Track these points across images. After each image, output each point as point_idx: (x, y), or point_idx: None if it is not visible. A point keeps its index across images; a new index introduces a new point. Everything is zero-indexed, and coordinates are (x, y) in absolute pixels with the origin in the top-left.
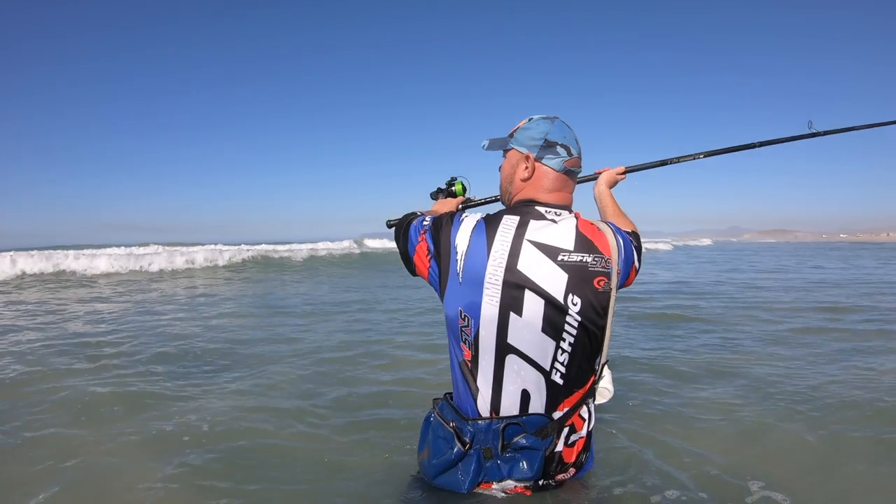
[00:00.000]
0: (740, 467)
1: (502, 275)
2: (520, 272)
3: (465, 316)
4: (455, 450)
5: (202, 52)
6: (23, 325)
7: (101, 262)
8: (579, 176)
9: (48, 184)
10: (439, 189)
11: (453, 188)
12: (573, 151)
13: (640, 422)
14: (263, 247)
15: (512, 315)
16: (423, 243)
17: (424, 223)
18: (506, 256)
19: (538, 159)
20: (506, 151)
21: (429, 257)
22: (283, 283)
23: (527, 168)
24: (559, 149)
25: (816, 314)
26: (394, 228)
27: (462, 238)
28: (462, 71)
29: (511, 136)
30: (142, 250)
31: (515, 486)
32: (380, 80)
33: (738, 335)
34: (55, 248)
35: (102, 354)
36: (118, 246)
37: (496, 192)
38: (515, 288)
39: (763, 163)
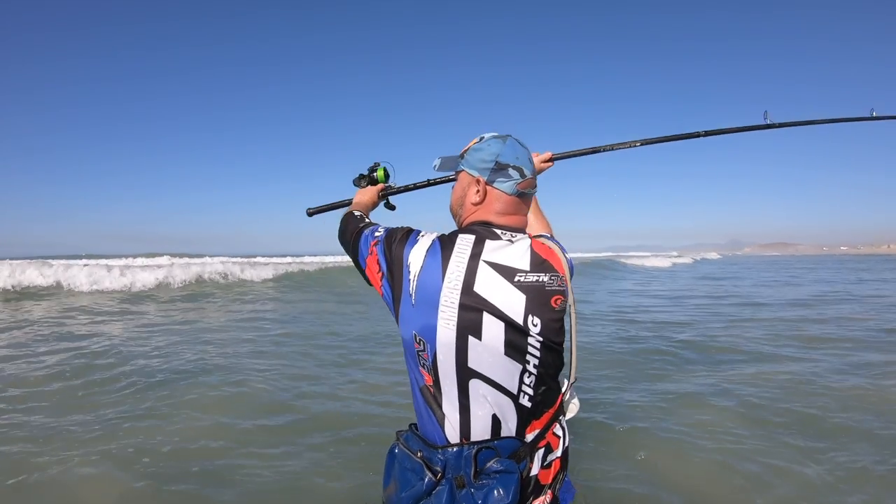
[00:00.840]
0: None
1: (458, 297)
2: (476, 294)
3: (419, 339)
4: (426, 480)
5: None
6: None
7: (145, 274)
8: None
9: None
10: (361, 175)
11: (375, 174)
12: (526, 172)
13: (639, 449)
14: (289, 260)
15: (471, 339)
16: (373, 256)
17: (377, 234)
18: (462, 277)
19: (489, 182)
20: (457, 172)
21: (380, 274)
22: (313, 300)
23: (478, 192)
24: (511, 171)
25: None
26: (339, 233)
27: (416, 257)
28: (464, 74)
29: (462, 156)
30: (155, 261)
31: None
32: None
33: None
34: (46, 257)
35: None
36: (132, 256)
37: (422, 179)
38: (472, 310)
39: (760, 175)
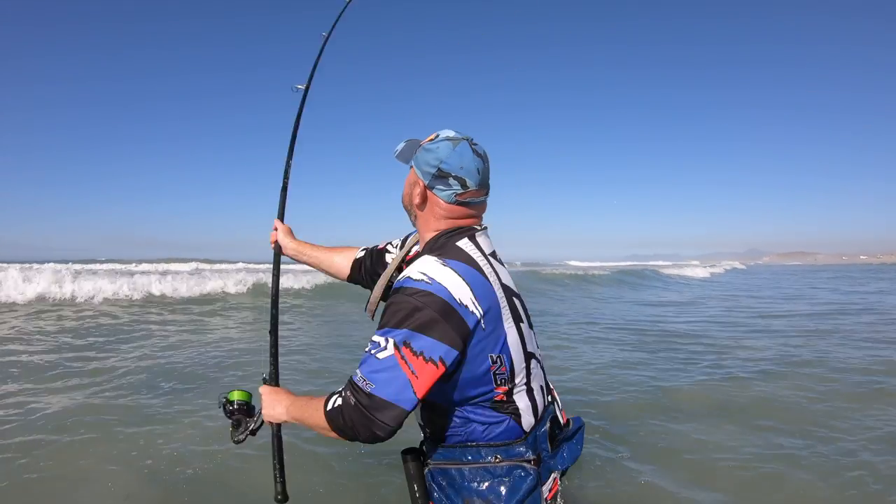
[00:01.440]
0: None
1: (503, 295)
2: (506, 285)
3: (497, 358)
4: (530, 470)
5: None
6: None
7: (180, 283)
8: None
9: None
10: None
11: (233, 405)
12: (469, 183)
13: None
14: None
15: (522, 325)
16: (422, 371)
17: (401, 357)
18: (494, 276)
19: (429, 188)
20: (411, 166)
21: (440, 366)
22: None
23: (419, 194)
24: (452, 181)
25: None
26: (363, 431)
27: (460, 291)
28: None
29: (416, 150)
30: (180, 266)
31: (555, 479)
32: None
33: None
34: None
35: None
36: (151, 262)
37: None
38: (511, 301)
39: (778, 183)
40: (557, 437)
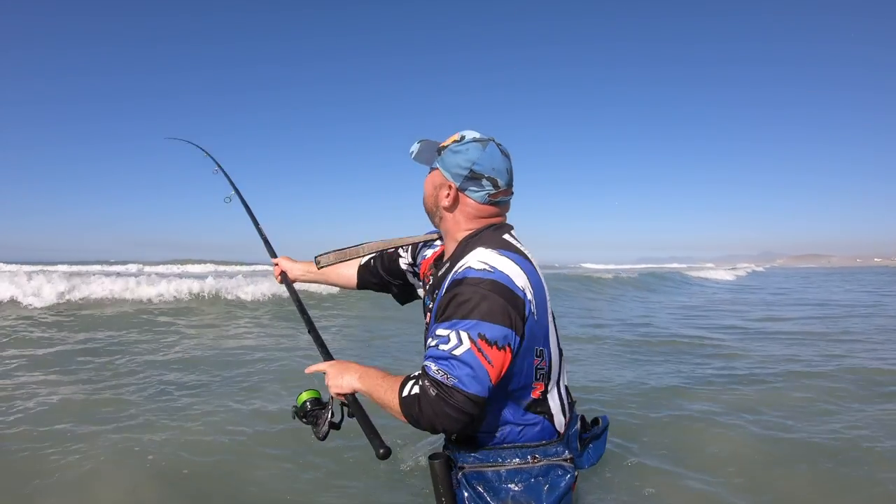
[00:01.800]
0: None
1: (545, 287)
2: (544, 280)
3: (540, 352)
4: (568, 469)
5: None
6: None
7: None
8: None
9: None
10: (304, 414)
11: (307, 406)
12: (500, 183)
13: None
14: None
15: (555, 322)
16: (497, 359)
17: (477, 348)
18: (537, 270)
19: (461, 190)
20: (432, 167)
21: (509, 353)
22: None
23: (448, 196)
24: (485, 182)
25: None
26: (411, 400)
27: (519, 279)
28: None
29: (440, 152)
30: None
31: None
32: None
33: None
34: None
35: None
36: (169, 263)
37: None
38: (547, 296)
39: (792, 184)
40: (584, 436)
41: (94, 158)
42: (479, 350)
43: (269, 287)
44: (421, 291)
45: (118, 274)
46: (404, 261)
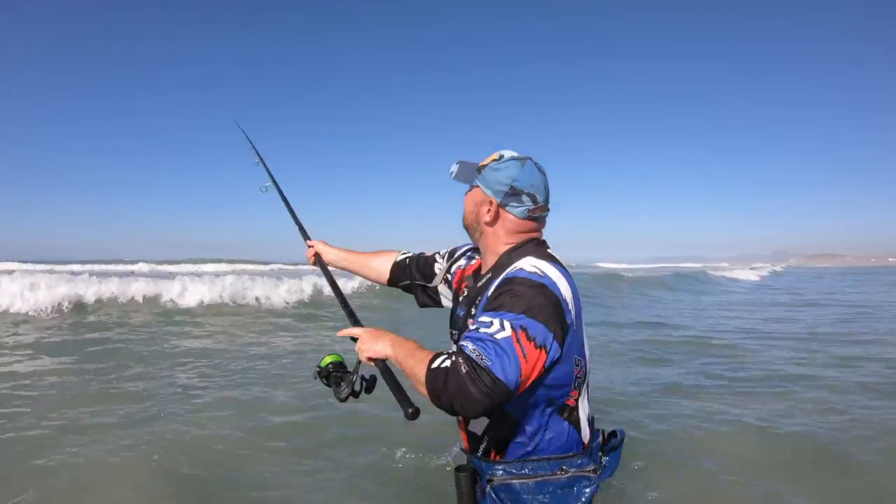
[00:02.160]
0: None
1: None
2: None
3: (579, 360)
4: (594, 486)
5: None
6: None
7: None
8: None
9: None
10: (327, 375)
11: (330, 368)
12: (539, 199)
13: None
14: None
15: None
16: (532, 356)
17: (517, 339)
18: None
19: (502, 206)
20: (472, 185)
21: (544, 359)
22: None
23: (489, 212)
24: (524, 197)
25: None
26: (438, 381)
27: (564, 288)
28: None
29: (479, 170)
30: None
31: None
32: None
33: None
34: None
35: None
36: (179, 262)
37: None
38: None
39: (805, 182)
40: (605, 448)
41: (100, 156)
42: (518, 341)
43: (290, 288)
44: (445, 301)
45: (133, 272)
46: (439, 266)
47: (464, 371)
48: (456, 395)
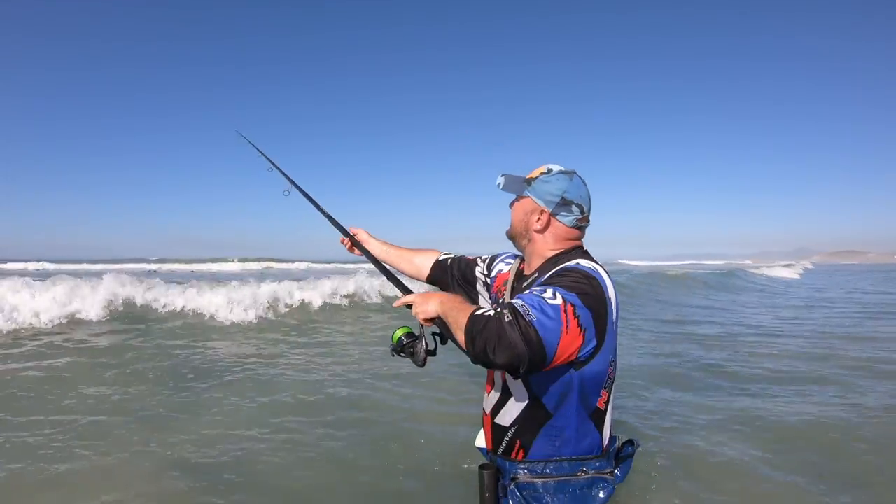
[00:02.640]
0: None
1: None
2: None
3: (612, 362)
4: (611, 488)
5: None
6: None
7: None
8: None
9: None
10: (402, 347)
11: (402, 340)
12: (585, 209)
13: None
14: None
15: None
16: (569, 334)
17: (565, 309)
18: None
19: (553, 215)
20: (520, 196)
21: (581, 340)
22: None
23: (539, 220)
24: (574, 208)
25: None
26: (495, 346)
27: (611, 290)
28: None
29: (528, 182)
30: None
31: None
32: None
33: None
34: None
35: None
36: (200, 262)
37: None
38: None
39: (826, 177)
40: (619, 455)
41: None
42: (566, 312)
43: (325, 290)
44: (483, 302)
45: (154, 271)
46: (480, 270)
47: (507, 319)
48: (491, 338)
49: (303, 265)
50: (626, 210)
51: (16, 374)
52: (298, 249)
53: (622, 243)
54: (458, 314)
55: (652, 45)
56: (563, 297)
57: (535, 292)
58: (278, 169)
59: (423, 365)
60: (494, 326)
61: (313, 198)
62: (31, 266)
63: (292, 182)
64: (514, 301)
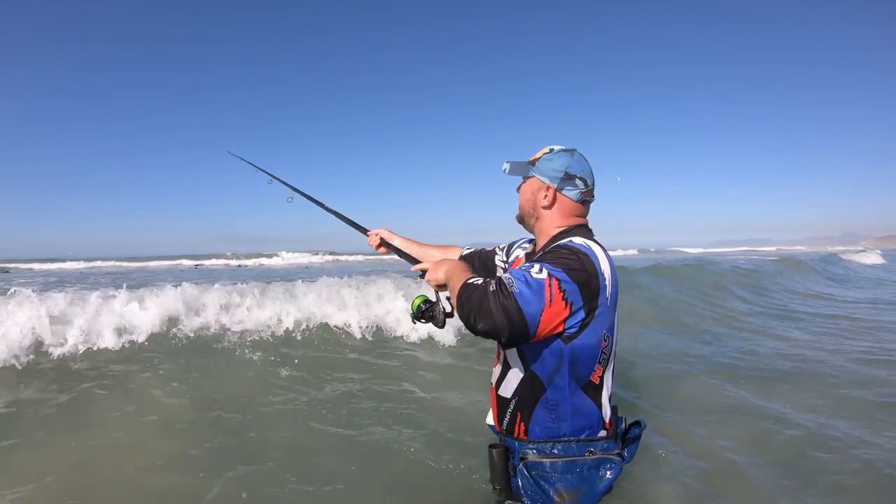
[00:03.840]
0: None
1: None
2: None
3: (608, 336)
4: (618, 469)
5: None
6: None
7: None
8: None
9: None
10: (422, 313)
11: (422, 307)
12: (589, 183)
13: None
14: None
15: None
16: (555, 305)
17: (549, 283)
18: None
19: (558, 190)
20: (526, 177)
21: (567, 312)
22: None
23: (546, 196)
24: (578, 181)
25: None
26: (480, 313)
27: (605, 266)
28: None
29: (532, 163)
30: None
31: None
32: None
33: None
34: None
35: None
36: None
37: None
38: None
39: (877, 156)
40: (627, 436)
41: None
42: (550, 287)
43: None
44: None
45: (197, 266)
46: (499, 258)
47: (491, 290)
48: (474, 310)
49: (360, 258)
50: (675, 197)
51: None
52: (349, 242)
53: (670, 230)
54: (456, 281)
55: (684, 30)
56: (548, 272)
57: (523, 268)
58: (280, 181)
59: (442, 326)
60: (479, 295)
61: (323, 203)
62: (97, 264)
63: (299, 192)
64: (504, 274)
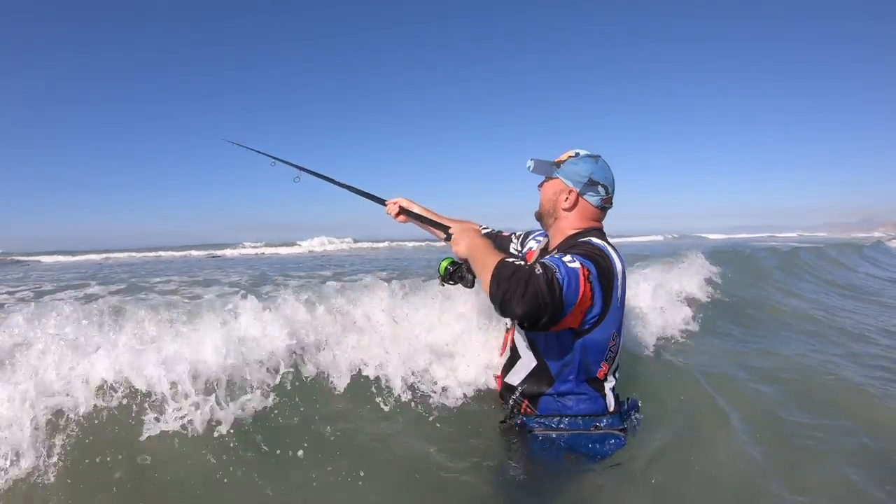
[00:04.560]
0: None
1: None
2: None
3: (615, 336)
4: (622, 443)
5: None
6: None
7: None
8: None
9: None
10: (449, 276)
11: (449, 270)
12: (610, 191)
13: None
14: None
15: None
16: (585, 294)
17: (583, 273)
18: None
19: (581, 194)
20: (549, 177)
21: (589, 303)
22: None
23: (567, 199)
24: (600, 188)
25: None
26: (517, 294)
27: (619, 267)
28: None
29: (557, 165)
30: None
31: None
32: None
33: None
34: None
35: None
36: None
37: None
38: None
39: (886, 146)
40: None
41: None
42: (583, 276)
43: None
44: None
45: (215, 255)
46: (514, 246)
47: (538, 271)
48: (519, 286)
49: (383, 244)
50: (693, 184)
51: None
52: (371, 227)
53: (690, 216)
54: (486, 256)
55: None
56: (580, 262)
57: (557, 256)
58: (283, 161)
59: (472, 286)
60: (524, 275)
61: (334, 178)
62: (115, 255)
63: (305, 169)
64: (541, 261)
